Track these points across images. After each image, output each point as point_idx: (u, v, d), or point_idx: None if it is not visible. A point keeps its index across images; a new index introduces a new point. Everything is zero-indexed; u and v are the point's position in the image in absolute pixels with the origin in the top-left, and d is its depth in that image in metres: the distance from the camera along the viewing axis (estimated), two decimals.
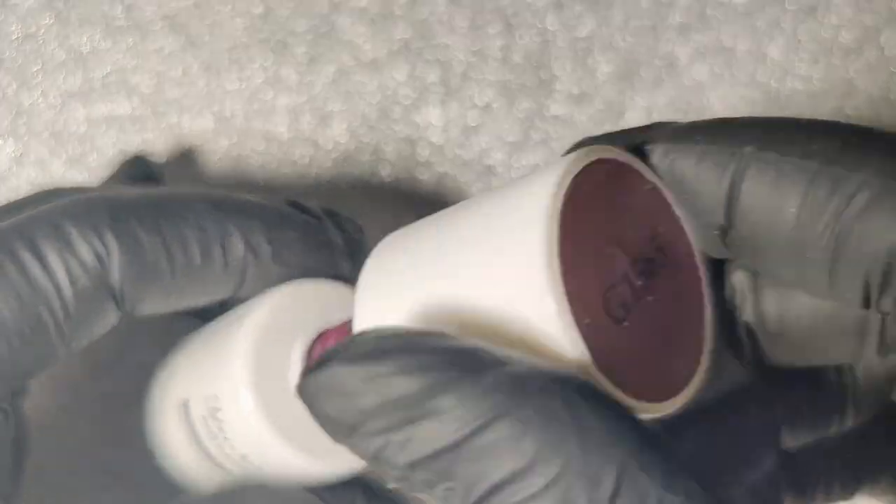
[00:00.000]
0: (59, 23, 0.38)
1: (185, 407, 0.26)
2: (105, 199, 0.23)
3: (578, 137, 0.36)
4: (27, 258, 0.21)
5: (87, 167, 0.37)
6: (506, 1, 0.37)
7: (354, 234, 0.27)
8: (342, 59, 0.37)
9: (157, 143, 0.37)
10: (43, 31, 0.38)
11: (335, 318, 0.24)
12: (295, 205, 0.26)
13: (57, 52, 0.38)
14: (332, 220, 0.27)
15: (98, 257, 0.22)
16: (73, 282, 0.22)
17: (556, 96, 0.37)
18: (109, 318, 0.23)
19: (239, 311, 0.26)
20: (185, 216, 0.23)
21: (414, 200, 0.36)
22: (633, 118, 0.37)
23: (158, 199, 0.23)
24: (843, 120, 0.36)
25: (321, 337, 0.24)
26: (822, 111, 0.37)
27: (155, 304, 0.24)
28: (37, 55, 0.38)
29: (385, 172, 0.37)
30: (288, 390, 0.24)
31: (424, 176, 0.37)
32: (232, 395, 0.24)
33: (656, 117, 0.37)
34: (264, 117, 0.37)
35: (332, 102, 0.37)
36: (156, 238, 0.22)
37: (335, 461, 0.24)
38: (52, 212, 0.22)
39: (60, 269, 0.21)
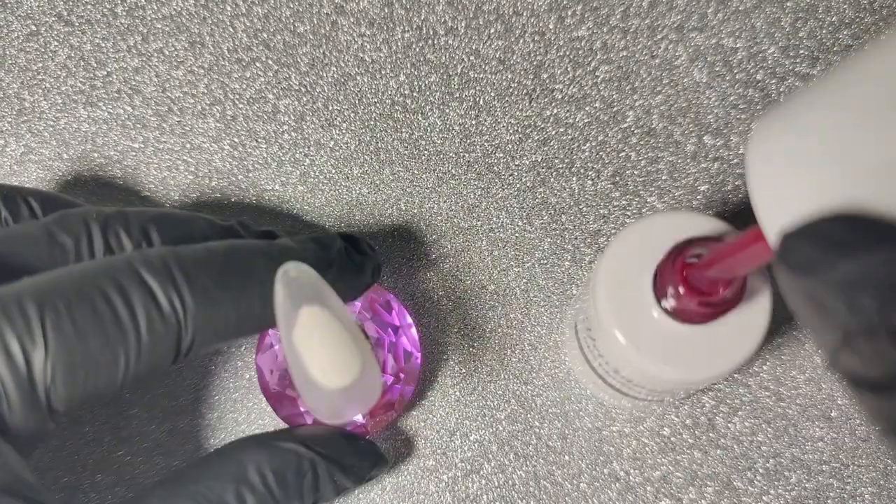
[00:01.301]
0: (60, 23, 0.38)
1: (575, 327, 0.33)
2: (181, 255, 0.26)
3: (578, 137, 0.37)
4: (119, 304, 0.24)
5: (90, 167, 0.37)
6: (505, 2, 0.37)
7: (369, 251, 0.32)
8: (343, 60, 0.37)
9: (159, 143, 0.37)
10: (44, 30, 0.38)
11: (669, 243, 0.28)
12: (322, 241, 0.30)
13: (58, 51, 0.38)
14: (352, 245, 0.31)
15: (175, 311, 0.25)
16: (150, 328, 0.25)
17: (556, 96, 0.37)
18: (170, 360, 0.26)
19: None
20: (249, 273, 0.27)
21: (415, 199, 0.37)
22: (633, 118, 0.37)
23: (225, 254, 0.27)
24: None
25: (668, 259, 0.27)
26: None
27: (214, 347, 0.27)
28: (38, 55, 0.38)
29: (387, 172, 0.37)
30: (641, 311, 0.28)
31: (425, 175, 0.37)
32: (596, 321, 0.29)
33: (655, 117, 0.37)
34: (266, 118, 0.37)
35: (333, 103, 0.37)
36: (225, 295, 0.26)
37: (686, 369, 0.28)
38: (134, 260, 0.25)
39: (142, 315, 0.25)
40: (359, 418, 0.33)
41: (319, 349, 0.25)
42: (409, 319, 0.34)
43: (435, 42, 0.37)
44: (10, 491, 0.23)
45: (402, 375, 0.34)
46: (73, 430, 0.35)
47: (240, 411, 0.35)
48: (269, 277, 0.27)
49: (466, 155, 0.37)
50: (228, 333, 0.27)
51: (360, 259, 0.31)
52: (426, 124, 0.37)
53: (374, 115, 0.37)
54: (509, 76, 0.37)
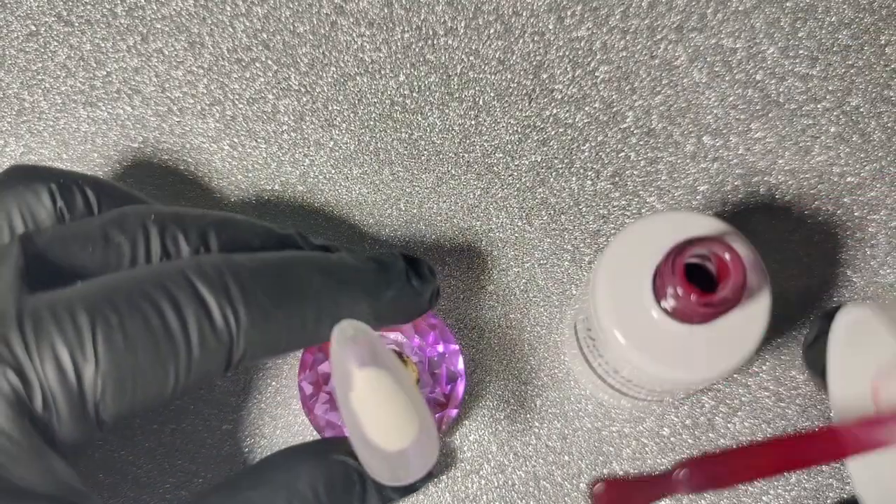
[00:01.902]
0: (60, 23, 0.38)
1: (575, 327, 0.33)
2: (237, 267, 0.25)
3: (578, 137, 0.37)
4: (171, 318, 0.24)
5: (90, 167, 0.37)
6: (505, 2, 0.37)
7: (429, 276, 0.30)
8: (343, 60, 0.37)
9: (158, 143, 0.37)
10: (44, 30, 0.38)
11: (669, 244, 0.27)
12: (383, 262, 0.29)
13: (58, 51, 0.38)
14: (413, 269, 0.30)
15: (228, 326, 0.25)
16: (202, 343, 0.24)
17: (556, 96, 0.37)
18: (220, 374, 0.26)
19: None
20: (304, 290, 0.26)
21: (415, 200, 0.37)
22: (633, 118, 0.37)
23: (281, 268, 0.26)
24: (840, 118, 0.37)
25: (667, 259, 0.27)
26: (821, 110, 0.37)
27: (262, 360, 0.27)
28: (38, 55, 0.38)
29: (386, 172, 0.37)
30: (641, 311, 0.28)
31: (425, 175, 0.37)
32: (596, 322, 0.29)
33: (655, 117, 0.37)
34: (266, 118, 0.37)
35: (333, 104, 0.37)
36: (278, 312, 0.25)
37: (686, 370, 0.28)
38: (189, 270, 0.25)
39: (195, 330, 0.24)
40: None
41: (377, 412, 0.25)
42: (455, 344, 0.34)
43: (434, 42, 0.37)
44: (62, 500, 0.23)
45: (443, 400, 0.34)
46: None
47: (239, 411, 0.35)
48: (325, 293, 0.26)
49: (466, 155, 0.37)
50: (279, 348, 0.26)
51: (419, 283, 0.30)
52: (426, 124, 0.37)
53: (374, 115, 0.37)
54: (509, 76, 0.37)
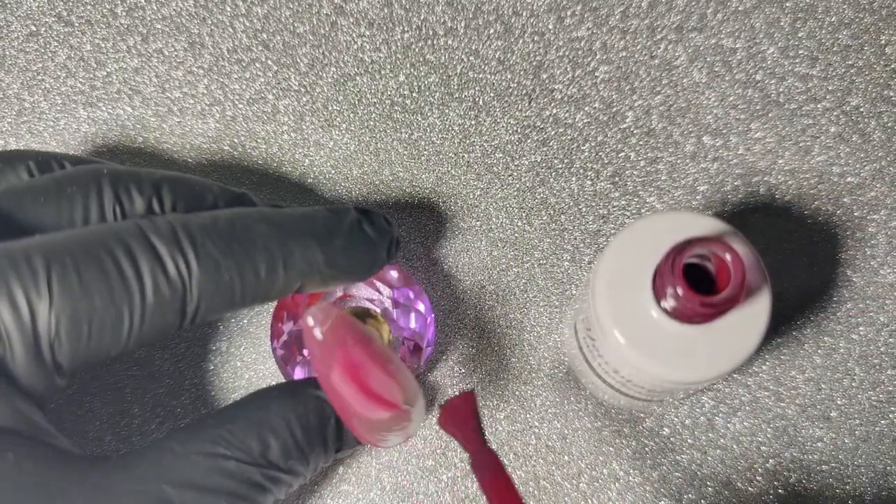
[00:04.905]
0: (60, 23, 0.38)
1: (575, 327, 0.33)
2: (188, 222, 0.26)
3: (578, 137, 0.37)
4: (126, 265, 0.25)
5: None
6: (505, 2, 0.37)
7: (385, 226, 0.30)
8: (343, 60, 0.37)
9: (159, 143, 0.37)
10: (44, 31, 0.38)
11: (669, 244, 0.27)
12: (334, 211, 0.29)
13: (58, 52, 0.38)
14: (366, 218, 0.30)
15: (180, 274, 0.25)
16: (156, 290, 0.25)
17: (555, 96, 0.37)
18: (175, 325, 0.26)
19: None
20: (255, 240, 0.27)
21: (415, 200, 0.37)
22: (633, 118, 0.37)
23: (231, 222, 0.27)
24: (840, 118, 0.37)
25: (667, 259, 0.27)
26: (821, 110, 0.37)
27: (220, 314, 0.27)
28: (38, 55, 0.38)
29: (386, 172, 0.37)
30: (641, 311, 0.28)
31: (425, 175, 0.37)
32: (596, 321, 0.29)
33: (654, 117, 0.37)
34: (266, 119, 0.37)
35: (333, 104, 0.37)
36: (230, 261, 0.26)
37: (685, 369, 0.28)
38: (143, 224, 0.26)
39: (148, 277, 0.25)
40: None
41: (358, 387, 0.26)
42: (417, 285, 0.34)
43: (434, 42, 0.37)
44: (24, 434, 0.23)
45: (418, 342, 0.34)
46: (75, 428, 0.35)
47: None
48: (274, 241, 0.27)
49: (466, 155, 0.37)
50: (234, 300, 0.27)
51: (373, 232, 0.30)
52: (425, 125, 0.37)
53: (374, 115, 0.37)
54: (509, 76, 0.37)
